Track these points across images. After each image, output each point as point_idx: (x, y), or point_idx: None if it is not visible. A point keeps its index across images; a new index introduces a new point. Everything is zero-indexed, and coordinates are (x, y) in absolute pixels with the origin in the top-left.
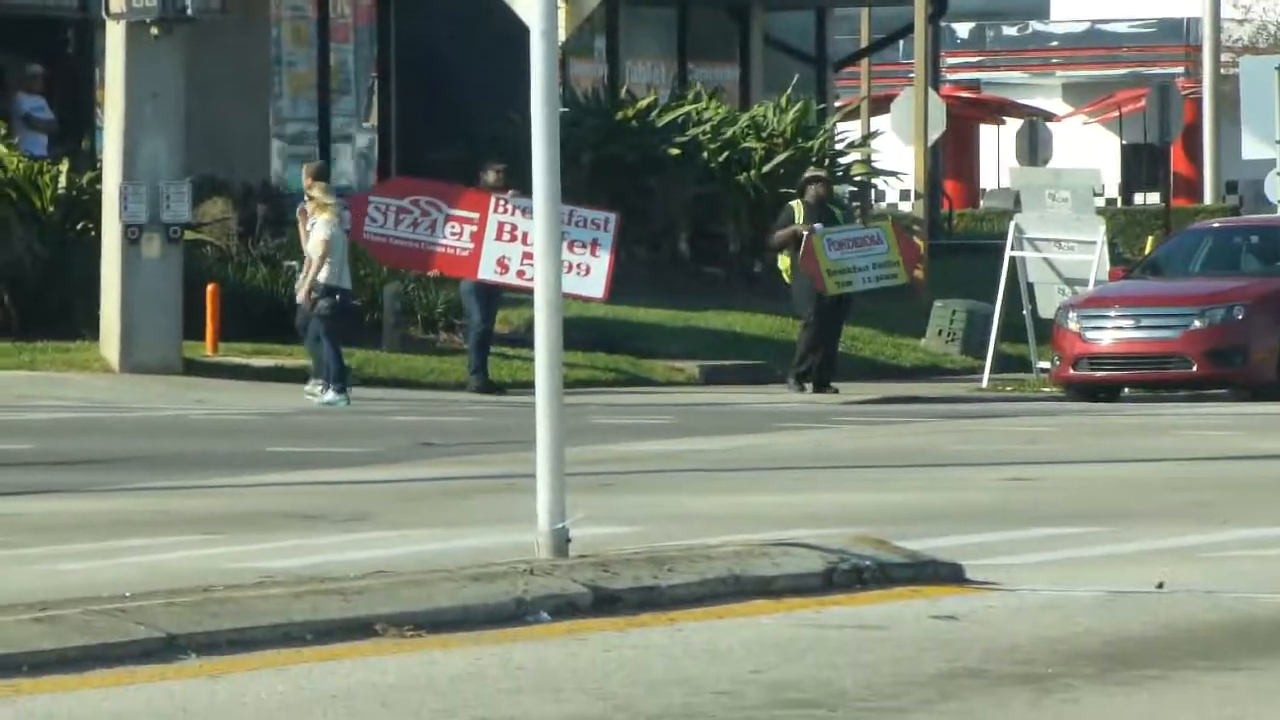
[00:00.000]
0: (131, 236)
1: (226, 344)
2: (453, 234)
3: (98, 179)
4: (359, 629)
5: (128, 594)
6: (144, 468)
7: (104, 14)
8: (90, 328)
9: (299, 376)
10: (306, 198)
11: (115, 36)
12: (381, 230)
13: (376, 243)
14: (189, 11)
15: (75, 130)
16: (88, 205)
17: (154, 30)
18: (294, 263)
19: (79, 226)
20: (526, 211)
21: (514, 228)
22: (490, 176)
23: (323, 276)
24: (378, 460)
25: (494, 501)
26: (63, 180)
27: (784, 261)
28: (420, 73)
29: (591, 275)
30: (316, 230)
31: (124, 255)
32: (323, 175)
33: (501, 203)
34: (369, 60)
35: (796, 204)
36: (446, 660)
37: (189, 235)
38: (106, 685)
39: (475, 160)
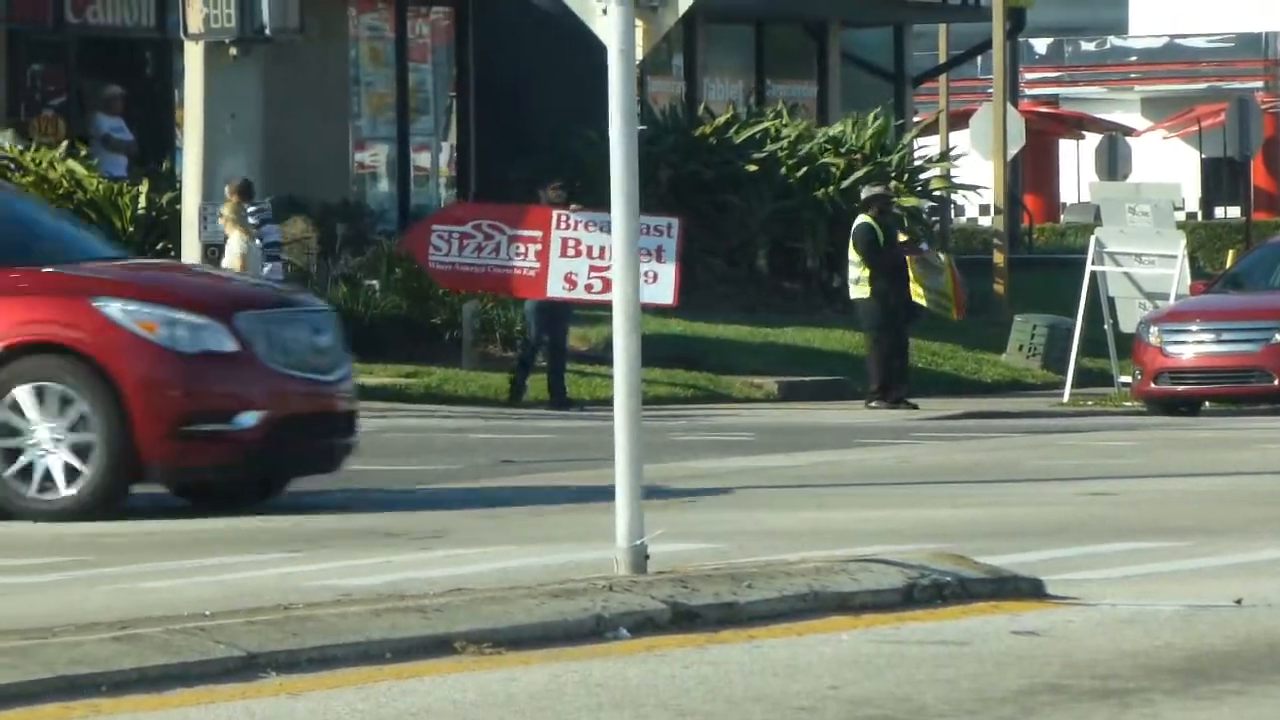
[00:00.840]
0: (211, 256)
1: None
2: (518, 255)
3: (177, 199)
4: (439, 646)
5: (208, 612)
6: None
7: (182, 35)
8: None
9: (379, 394)
10: (217, 213)
11: (194, 57)
12: (446, 258)
13: (443, 270)
14: (267, 32)
15: (155, 151)
16: (167, 225)
17: (232, 51)
18: (374, 281)
19: (159, 247)
20: (589, 225)
21: (578, 242)
22: (550, 194)
23: None
24: (457, 477)
25: (573, 518)
26: (142, 201)
27: (864, 272)
28: (498, 91)
29: (660, 282)
30: (231, 245)
31: None
32: (245, 193)
33: (563, 218)
34: (447, 80)
35: (869, 219)
36: (526, 677)
37: None
38: (187, 704)
39: (553, 179)
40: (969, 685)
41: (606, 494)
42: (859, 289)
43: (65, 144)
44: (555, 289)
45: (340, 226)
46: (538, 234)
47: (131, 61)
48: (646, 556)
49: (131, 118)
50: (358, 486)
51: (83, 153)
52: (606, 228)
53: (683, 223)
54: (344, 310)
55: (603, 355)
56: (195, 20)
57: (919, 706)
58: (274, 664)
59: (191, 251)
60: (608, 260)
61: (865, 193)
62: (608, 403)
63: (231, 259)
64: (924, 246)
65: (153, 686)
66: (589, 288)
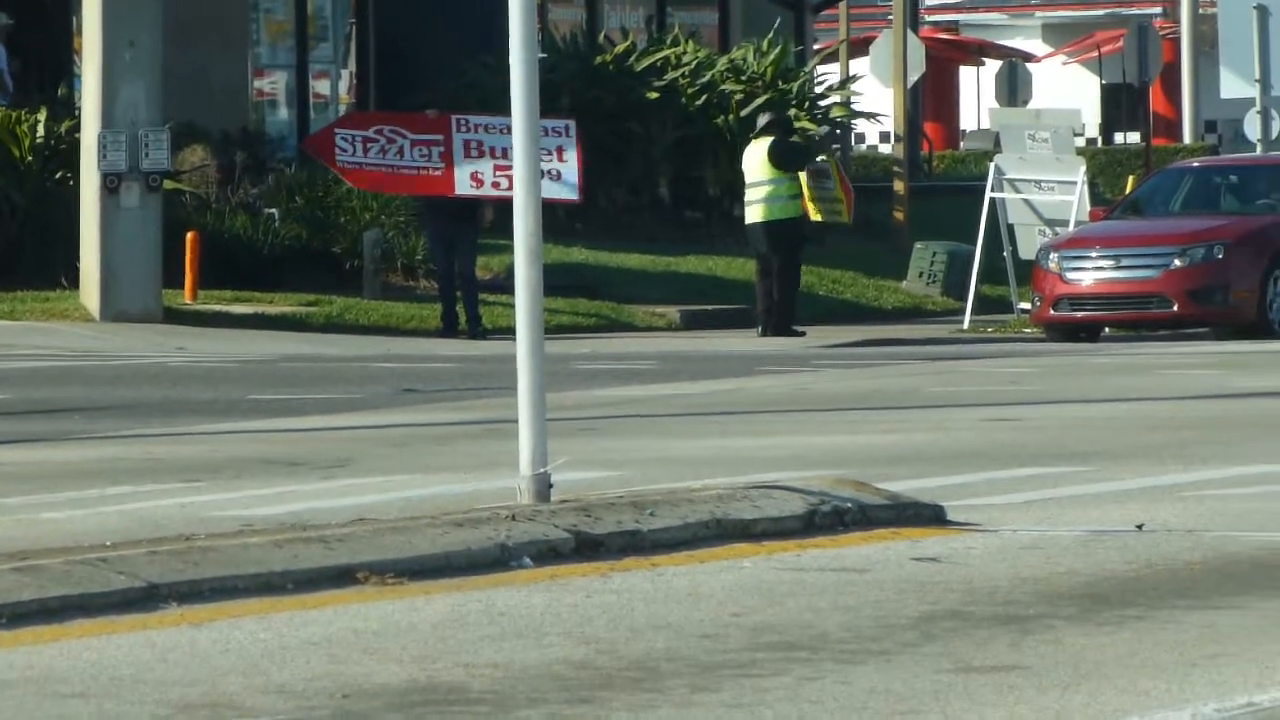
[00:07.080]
0: (110, 185)
1: (206, 291)
2: (421, 156)
3: (76, 128)
4: (341, 576)
5: (109, 543)
6: (125, 416)
7: None
8: (70, 276)
9: (279, 323)
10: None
11: None
12: (353, 158)
13: (351, 169)
14: None
15: (54, 79)
16: (66, 154)
17: None
18: (273, 210)
19: (58, 175)
20: (489, 127)
21: (480, 143)
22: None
23: None
24: (359, 407)
25: (476, 447)
26: (41, 129)
27: (779, 190)
28: (399, 18)
29: (564, 179)
30: None
31: (103, 204)
32: None
33: (463, 121)
34: (346, 7)
35: (777, 138)
36: (429, 607)
37: (168, 184)
38: (88, 635)
39: (454, 107)
40: (870, 612)
41: (510, 422)
42: (776, 209)
43: None
44: (463, 187)
45: (239, 154)
46: (439, 137)
47: None
48: (550, 485)
49: (28, 46)
50: (261, 415)
51: None
52: (506, 130)
53: (577, 123)
54: (243, 239)
55: (504, 284)
56: None
57: (821, 633)
58: (175, 595)
59: (91, 181)
60: (510, 160)
61: (764, 119)
62: (510, 331)
63: None
64: (820, 159)
65: (53, 617)
66: (496, 185)
